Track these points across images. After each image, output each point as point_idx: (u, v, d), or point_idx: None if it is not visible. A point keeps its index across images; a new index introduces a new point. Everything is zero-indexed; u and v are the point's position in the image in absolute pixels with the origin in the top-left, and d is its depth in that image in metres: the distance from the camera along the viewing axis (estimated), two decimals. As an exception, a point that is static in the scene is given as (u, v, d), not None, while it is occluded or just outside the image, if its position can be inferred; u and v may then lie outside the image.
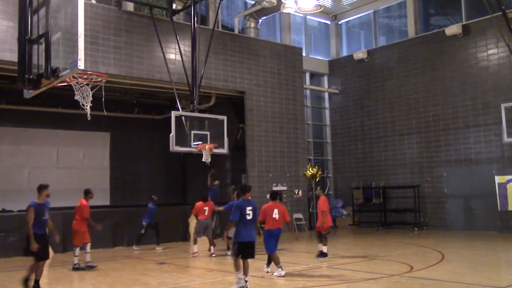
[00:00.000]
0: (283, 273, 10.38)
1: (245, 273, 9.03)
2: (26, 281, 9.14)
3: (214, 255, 14.23)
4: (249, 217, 9.31)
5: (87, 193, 12.68)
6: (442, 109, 20.81)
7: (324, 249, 13.03)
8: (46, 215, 9.42)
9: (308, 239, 19.32)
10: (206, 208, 14.45)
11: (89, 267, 12.16)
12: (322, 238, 13.12)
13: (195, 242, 14.51)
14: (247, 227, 9.30)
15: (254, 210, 9.47)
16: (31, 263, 9.12)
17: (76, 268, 11.99)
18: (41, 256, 9.19)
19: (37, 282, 9.24)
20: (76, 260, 12.09)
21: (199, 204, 14.58)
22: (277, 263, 10.50)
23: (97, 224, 12.65)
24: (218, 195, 16.27)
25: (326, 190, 24.81)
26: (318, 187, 15.03)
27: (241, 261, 9.11)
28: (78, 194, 20.80)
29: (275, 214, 10.63)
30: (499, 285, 8.97)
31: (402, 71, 22.44)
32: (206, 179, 17.08)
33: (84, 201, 12.44)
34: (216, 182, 16.86)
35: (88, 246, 12.47)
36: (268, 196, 12.07)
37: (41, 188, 9.67)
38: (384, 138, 22.97)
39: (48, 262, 13.40)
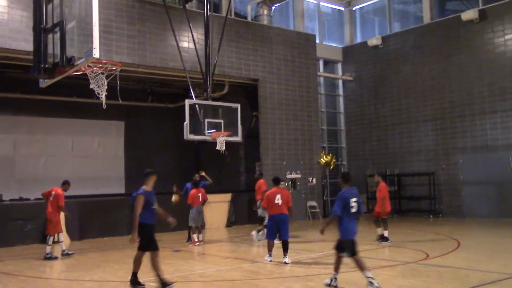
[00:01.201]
0: (269, 259, 10.52)
1: (363, 269, 7.85)
2: (135, 276, 8.44)
3: (202, 243, 14.26)
4: (354, 210, 8.30)
5: (64, 184, 12.70)
6: (458, 95, 20.56)
7: (386, 233, 13.20)
8: (155, 204, 8.65)
9: (322, 226, 19.26)
10: (200, 194, 14.49)
11: (67, 255, 12.41)
12: (381, 223, 13.29)
13: (194, 231, 14.41)
14: (352, 222, 8.30)
15: (359, 202, 8.46)
16: (136, 255, 8.43)
17: (48, 258, 12.09)
18: (152, 247, 8.39)
19: (135, 274, 8.45)
20: (48, 250, 12.19)
21: (193, 192, 14.51)
22: (269, 250, 10.61)
23: (69, 212, 12.99)
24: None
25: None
26: (376, 174, 15.03)
27: (341, 259, 8.13)
28: (93, 183, 21.21)
29: (278, 199, 10.54)
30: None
31: (417, 58, 22.18)
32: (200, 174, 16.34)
33: (60, 190, 12.46)
34: (198, 176, 16.10)
35: (61, 235, 12.69)
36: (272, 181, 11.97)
37: (149, 174, 8.79)
38: (399, 125, 22.78)
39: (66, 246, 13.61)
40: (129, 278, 9.20)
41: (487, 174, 19.53)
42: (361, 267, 7.84)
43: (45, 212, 12.53)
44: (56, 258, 12.18)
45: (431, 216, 20.05)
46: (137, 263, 8.41)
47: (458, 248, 11.92)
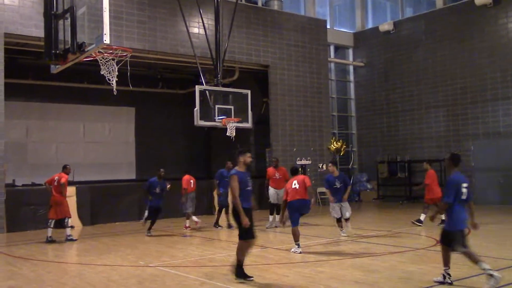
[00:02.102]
0: (298, 251, 9.99)
1: (477, 261, 7.03)
2: (240, 267, 7.68)
3: (190, 229, 14.27)
4: (464, 197, 7.23)
5: (65, 168, 12.74)
6: (470, 81, 20.37)
7: (422, 217, 13.60)
8: (250, 185, 7.91)
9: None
10: (192, 181, 14.51)
11: (71, 240, 12.50)
12: (431, 208, 13.42)
13: (189, 216, 14.41)
14: (462, 210, 7.27)
15: (468, 188, 7.34)
16: (239, 245, 7.74)
17: (50, 241, 12.29)
18: (251, 234, 7.72)
19: (240, 265, 7.71)
20: (50, 233, 12.40)
21: (186, 177, 14.45)
22: (296, 240, 10.11)
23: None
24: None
25: (351, 164, 24.71)
26: (425, 162, 14.94)
27: (450, 252, 7.32)
28: (105, 169, 21.39)
29: (295, 184, 10.13)
30: (527, 259, 8.86)
31: (429, 43, 21.96)
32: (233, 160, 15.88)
33: (62, 174, 12.53)
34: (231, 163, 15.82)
35: (70, 220, 12.81)
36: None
37: (241, 152, 8.00)
38: (410, 111, 22.64)
39: (78, 233, 13.76)
40: (140, 262, 9.33)
41: (498, 161, 19.40)
42: (474, 259, 7.04)
43: (51, 198, 12.61)
44: (55, 241, 12.32)
45: (437, 204, 19.95)
46: (241, 252, 7.69)
47: (469, 234, 11.87)
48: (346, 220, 12.21)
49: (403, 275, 7.83)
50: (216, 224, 14.68)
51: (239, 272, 7.63)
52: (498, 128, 19.52)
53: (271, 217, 14.33)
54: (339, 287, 7.07)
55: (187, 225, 14.42)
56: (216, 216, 14.90)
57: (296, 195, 10.04)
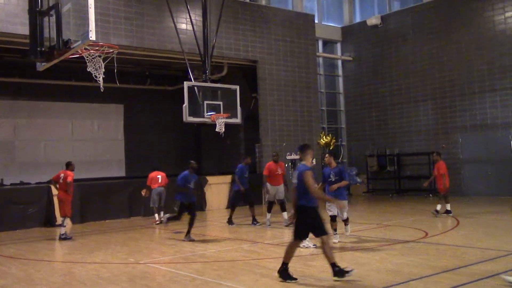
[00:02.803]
0: (312, 245, 9.80)
1: None
2: (336, 266, 7.16)
3: (163, 221, 13.86)
4: None
5: (69, 165, 12.57)
6: (458, 74, 20.50)
7: (448, 206, 13.92)
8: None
9: (323, 206, 19.37)
10: (159, 176, 14.79)
11: (65, 239, 12.35)
12: (442, 199, 13.90)
13: (155, 211, 14.87)
14: None
15: None
16: (290, 243, 7.47)
17: (63, 238, 12.27)
18: (304, 233, 7.56)
19: (286, 265, 7.35)
20: (63, 230, 12.38)
21: (153, 174, 14.82)
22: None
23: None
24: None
25: (340, 158, 24.79)
26: (435, 153, 14.99)
27: None
28: (94, 166, 21.28)
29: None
30: (515, 249, 8.96)
31: (417, 37, 22.06)
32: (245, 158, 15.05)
33: (68, 172, 12.41)
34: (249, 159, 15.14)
35: (67, 220, 12.74)
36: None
37: (306, 148, 7.71)
38: (399, 105, 22.76)
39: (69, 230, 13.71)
40: (131, 259, 9.31)
41: (486, 152, 19.57)
42: None
43: (58, 196, 12.67)
44: (70, 238, 12.34)
45: (430, 195, 20.10)
46: (328, 248, 7.24)
47: (457, 226, 11.99)
48: (345, 222, 11.01)
49: (393, 268, 7.88)
50: (255, 221, 13.82)
51: (339, 272, 7.12)
52: (485, 120, 19.68)
53: (268, 215, 13.54)
54: (329, 281, 7.09)
55: (156, 219, 14.77)
56: (251, 212, 13.98)
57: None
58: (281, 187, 13.30)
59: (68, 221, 12.75)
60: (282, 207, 13.30)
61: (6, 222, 14.53)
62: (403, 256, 8.80)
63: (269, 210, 13.56)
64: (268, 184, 13.41)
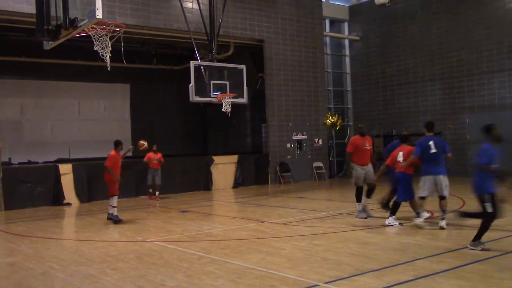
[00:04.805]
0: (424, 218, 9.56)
1: None
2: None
3: (158, 199, 15.82)
4: None
5: (117, 144, 11.71)
6: (466, 54, 20.30)
7: None
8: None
9: (328, 187, 19.45)
10: (156, 156, 15.92)
11: (110, 219, 11.66)
12: None
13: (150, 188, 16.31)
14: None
15: None
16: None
17: (109, 218, 11.62)
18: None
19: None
20: (111, 210, 11.57)
21: (150, 154, 15.83)
22: (415, 209, 9.74)
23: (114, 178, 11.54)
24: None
25: (347, 138, 24.74)
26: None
27: None
28: (100, 146, 21.33)
29: (400, 157, 9.94)
30: (521, 230, 8.98)
31: (425, 16, 21.81)
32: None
33: (112, 152, 11.52)
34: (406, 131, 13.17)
35: (114, 199, 11.58)
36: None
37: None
38: (406, 85, 22.61)
39: (75, 210, 13.82)
40: (138, 238, 9.41)
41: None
42: None
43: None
44: (118, 220, 11.46)
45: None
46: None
47: (463, 206, 12.00)
48: (441, 199, 9.35)
49: (398, 247, 7.93)
50: (386, 206, 10.83)
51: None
52: (493, 100, 19.54)
53: (359, 205, 10.94)
54: (335, 259, 7.16)
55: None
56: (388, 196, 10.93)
57: (397, 168, 9.86)
58: (370, 167, 10.94)
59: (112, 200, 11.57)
60: (369, 192, 10.98)
61: (15, 200, 14.68)
62: (409, 235, 8.84)
63: (358, 199, 10.93)
64: (354, 164, 10.87)
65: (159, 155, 16.00)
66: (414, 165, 9.72)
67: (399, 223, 9.73)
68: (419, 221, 9.50)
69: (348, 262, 6.97)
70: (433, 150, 9.19)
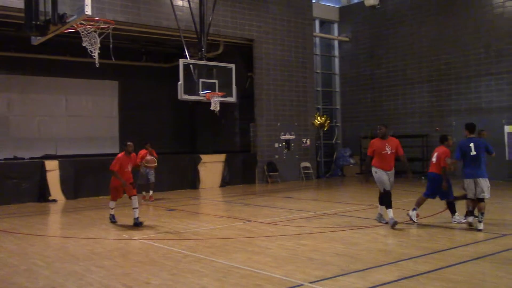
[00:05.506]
0: (460, 219, 9.76)
1: None
2: None
3: (152, 200, 15.02)
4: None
5: (125, 146, 11.00)
6: (455, 57, 20.48)
7: None
8: None
9: (315, 187, 19.52)
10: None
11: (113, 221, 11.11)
12: None
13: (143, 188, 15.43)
14: None
15: None
16: None
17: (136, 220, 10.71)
18: None
19: None
20: (112, 212, 11.14)
21: (144, 152, 14.48)
22: (417, 205, 9.95)
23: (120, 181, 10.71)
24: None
25: (334, 139, 24.87)
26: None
27: None
28: (88, 143, 21.25)
29: (434, 158, 9.98)
30: (504, 231, 9.07)
31: (414, 18, 21.96)
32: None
33: (119, 154, 10.93)
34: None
35: (112, 203, 11.08)
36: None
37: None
38: (394, 87, 22.75)
39: (59, 207, 13.73)
40: (124, 235, 9.38)
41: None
42: None
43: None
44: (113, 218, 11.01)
45: (423, 178, 20.22)
46: None
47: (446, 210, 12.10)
48: (480, 201, 9.28)
49: (384, 248, 7.98)
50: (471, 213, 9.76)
51: None
52: (480, 104, 19.73)
53: (391, 211, 9.88)
54: (321, 259, 7.19)
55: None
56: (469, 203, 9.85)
57: (430, 168, 9.94)
58: (392, 174, 10.20)
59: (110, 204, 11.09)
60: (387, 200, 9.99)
61: (0, 196, 14.55)
62: (394, 237, 8.91)
63: (389, 205, 9.98)
64: (375, 169, 10.08)
65: (154, 153, 14.52)
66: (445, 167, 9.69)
67: (464, 218, 9.63)
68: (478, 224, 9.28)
69: (333, 262, 7.01)
70: (473, 153, 9.31)
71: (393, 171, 10.13)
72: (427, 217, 10.89)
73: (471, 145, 9.35)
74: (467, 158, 9.34)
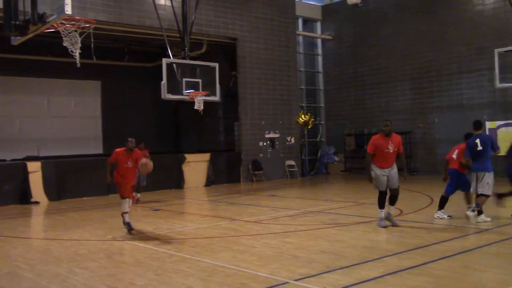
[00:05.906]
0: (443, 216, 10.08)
1: None
2: None
3: (139, 202, 14.27)
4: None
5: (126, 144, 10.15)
6: (437, 55, 20.67)
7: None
8: None
9: (300, 185, 19.57)
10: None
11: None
12: None
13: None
14: None
15: None
16: None
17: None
18: None
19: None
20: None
21: (139, 153, 13.91)
22: (468, 203, 10.06)
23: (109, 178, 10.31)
24: None
25: (319, 137, 24.96)
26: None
27: None
28: (71, 143, 21.04)
29: (454, 154, 10.13)
30: (485, 226, 9.19)
31: (397, 17, 22.12)
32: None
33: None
34: None
35: (125, 202, 10.07)
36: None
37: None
38: (377, 85, 22.90)
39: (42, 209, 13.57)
40: (109, 236, 9.32)
41: (461, 133, 19.58)
42: None
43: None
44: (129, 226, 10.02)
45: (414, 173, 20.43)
46: None
47: (432, 204, 12.22)
48: (478, 196, 9.57)
49: (368, 244, 8.03)
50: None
51: None
52: (461, 100, 19.95)
53: (381, 212, 9.62)
54: (306, 257, 7.21)
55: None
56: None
57: (451, 165, 10.12)
58: (394, 171, 9.60)
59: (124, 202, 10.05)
60: (393, 199, 9.65)
61: (-19, 199, 14.36)
62: (378, 233, 8.97)
63: (381, 206, 9.62)
64: (374, 166, 9.54)
65: (147, 153, 13.67)
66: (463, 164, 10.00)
67: (472, 210, 9.51)
68: (472, 214, 9.38)
69: (318, 260, 7.04)
70: (479, 148, 9.58)
71: (393, 167, 9.60)
72: (410, 213, 10.98)
73: (477, 141, 9.65)
74: (474, 154, 9.66)
